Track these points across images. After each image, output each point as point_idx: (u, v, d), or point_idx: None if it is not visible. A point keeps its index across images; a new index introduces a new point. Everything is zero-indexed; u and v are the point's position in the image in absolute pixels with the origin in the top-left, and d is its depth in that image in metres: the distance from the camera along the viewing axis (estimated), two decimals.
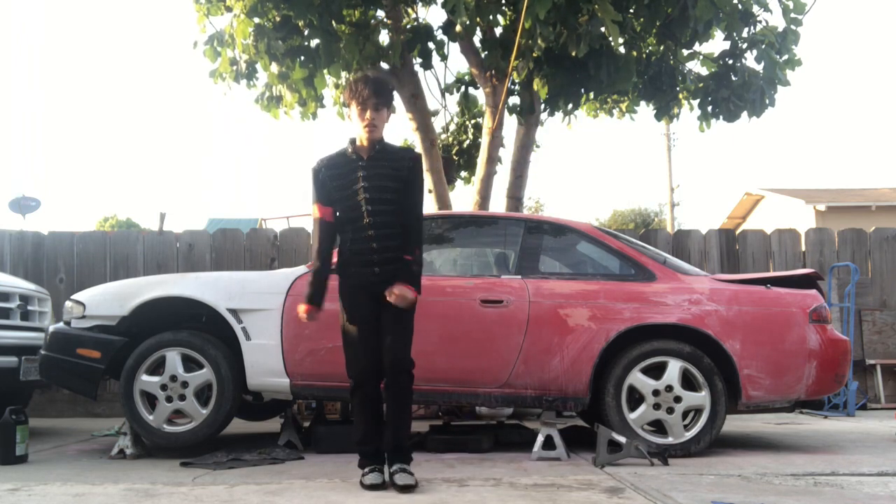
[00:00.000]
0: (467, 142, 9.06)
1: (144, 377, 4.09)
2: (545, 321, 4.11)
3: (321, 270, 3.28)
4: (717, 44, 39.00)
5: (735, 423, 5.66)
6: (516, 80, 6.95)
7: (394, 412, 3.15)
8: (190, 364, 4.10)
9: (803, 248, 7.36)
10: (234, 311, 4.14)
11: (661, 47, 7.05)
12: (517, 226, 4.52)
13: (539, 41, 6.01)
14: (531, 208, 25.03)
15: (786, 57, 6.82)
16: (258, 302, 4.16)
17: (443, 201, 7.34)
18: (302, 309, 3.27)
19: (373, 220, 3.14)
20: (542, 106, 7.16)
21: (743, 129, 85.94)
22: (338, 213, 3.25)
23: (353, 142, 3.23)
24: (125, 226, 24.28)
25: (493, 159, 7.35)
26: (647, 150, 59.44)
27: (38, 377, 4.70)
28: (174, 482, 3.28)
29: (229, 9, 6.60)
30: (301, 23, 6.28)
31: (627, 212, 29.29)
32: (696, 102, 7.27)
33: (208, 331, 4.22)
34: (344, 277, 3.25)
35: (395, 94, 7.62)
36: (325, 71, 6.79)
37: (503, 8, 6.43)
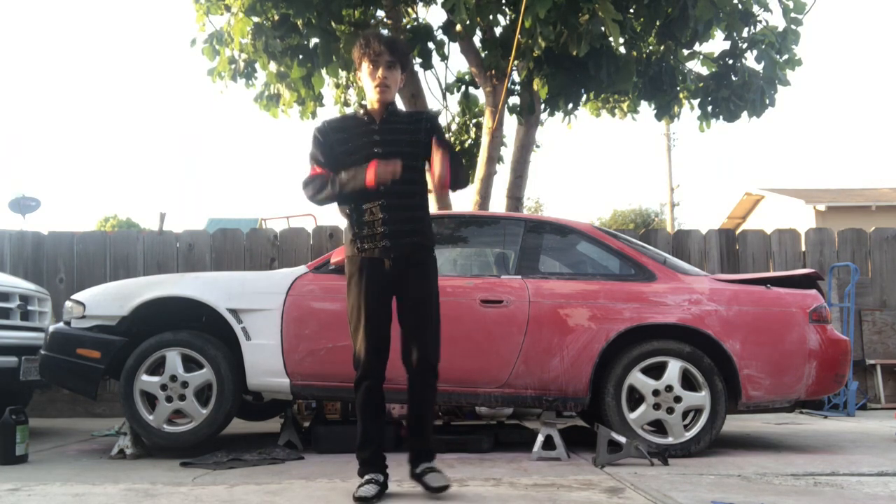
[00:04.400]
0: (469, 141, 9.06)
1: (144, 377, 4.09)
2: (545, 321, 4.11)
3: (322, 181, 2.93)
4: (717, 44, 39.00)
5: (735, 423, 5.66)
6: (516, 80, 6.96)
7: (420, 411, 3.00)
8: (190, 364, 4.10)
9: (803, 248, 7.36)
10: (234, 311, 4.14)
11: (661, 47, 7.06)
12: (517, 226, 4.52)
13: (539, 41, 6.01)
14: (531, 208, 25.03)
15: (786, 57, 6.83)
16: (258, 302, 4.16)
17: (443, 201, 7.35)
18: (372, 168, 2.87)
19: (386, 189, 2.85)
20: (542, 106, 7.16)
21: (743, 129, 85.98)
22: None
23: (363, 107, 3.02)
24: (125, 226, 24.28)
25: (493, 159, 7.35)
26: (647, 150, 59.47)
27: (38, 377, 4.70)
28: (174, 482, 3.28)
29: (228, 7, 6.61)
30: (300, 22, 6.28)
31: (627, 212, 29.30)
32: (696, 102, 7.28)
33: (208, 331, 4.22)
34: (353, 257, 2.96)
35: (395, 95, 7.62)
36: (324, 70, 6.80)
37: (503, 7, 6.43)
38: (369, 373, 2.93)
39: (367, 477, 2.90)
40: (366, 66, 2.92)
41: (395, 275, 2.93)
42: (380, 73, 2.89)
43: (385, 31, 7.16)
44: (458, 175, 2.96)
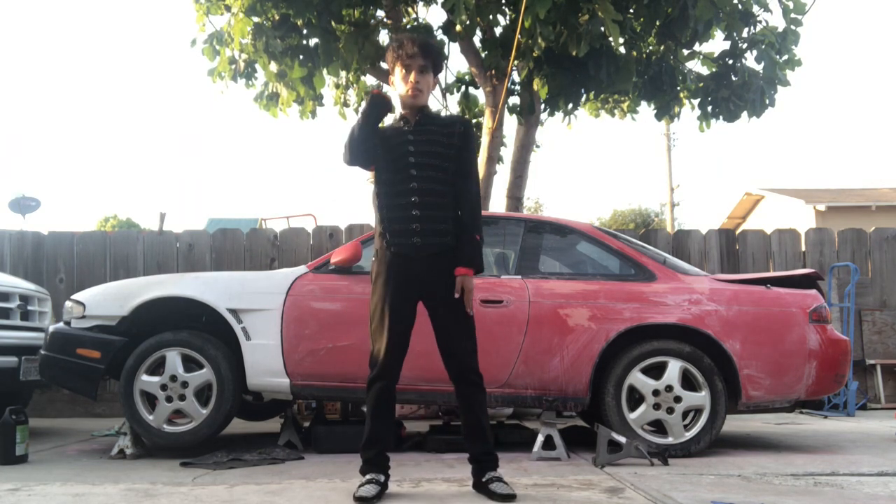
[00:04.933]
0: None
1: (144, 377, 4.09)
2: (545, 321, 4.11)
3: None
4: (717, 44, 39.02)
5: (735, 423, 5.66)
6: (516, 80, 6.96)
7: (475, 416, 2.94)
8: (190, 364, 4.10)
9: (803, 248, 7.36)
10: (234, 311, 4.14)
11: (661, 47, 7.06)
12: (517, 226, 4.52)
13: (539, 41, 6.01)
14: (531, 208, 25.03)
15: (786, 57, 6.83)
16: (258, 302, 4.16)
17: None
18: (373, 93, 2.91)
19: (419, 187, 2.87)
20: (542, 106, 7.16)
21: (743, 129, 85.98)
22: (380, 177, 2.99)
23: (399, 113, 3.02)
24: (125, 226, 24.27)
25: (492, 159, 7.35)
26: (647, 150, 59.45)
27: (38, 377, 4.70)
28: (174, 482, 3.28)
29: (228, 7, 6.61)
30: (300, 22, 6.29)
31: (627, 212, 29.30)
32: (696, 102, 7.28)
33: (208, 331, 4.22)
34: (381, 252, 2.94)
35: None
36: (324, 70, 6.80)
37: (503, 7, 6.43)
38: (385, 373, 2.90)
39: (368, 477, 2.89)
40: (398, 70, 2.92)
41: (424, 275, 2.91)
42: (413, 76, 2.89)
43: (385, 31, 7.17)
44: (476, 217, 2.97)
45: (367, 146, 2.95)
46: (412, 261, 2.90)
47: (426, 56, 2.88)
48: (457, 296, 2.87)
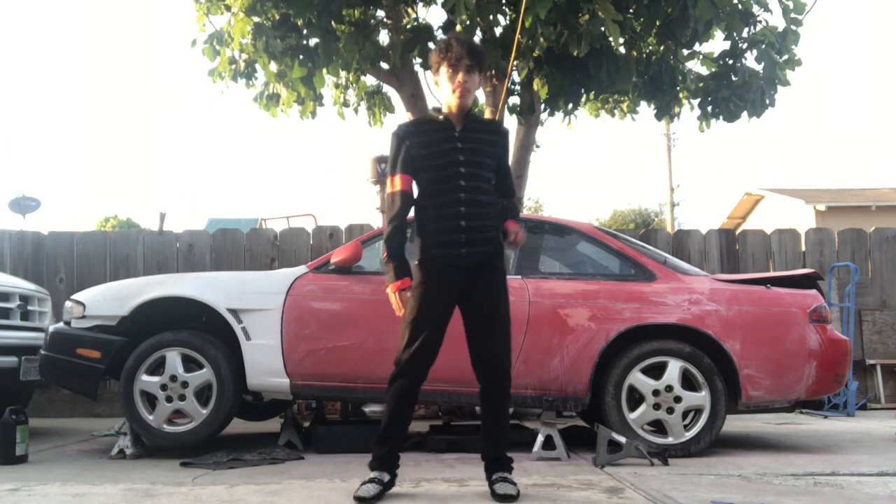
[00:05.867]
0: None
1: (144, 377, 4.09)
2: (545, 321, 4.11)
3: (401, 243, 2.92)
4: (717, 44, 38.96)
5: (735, 423, 5.66)
6: (516, 80, 6.95)
7: (495, 418, 2.97)
8: (190, 364, 4.10)
9: (803, 248, 7.36)
10: (234, 311, 4.14)
11: (661, 47, 7.05)
12: None
13: (539, 41, 6.00)
14: (531, 208, 25.03)
15: (786, 57, 6.82)
16: (258, 302, 4.16)
17: None
18: (393, 290, 2.88)
19: (466, 197, 2.86)
20: (542, 106, 7.15)
21: (743, 129, 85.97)
22: (424, 185, 2.94)
23: (438, 110, 2.97)
24: (125, 226, 24.25)
25: None
26: (647, 150, 59.50)
27: (38, 377, 4.70)
28: (174, 482, 3.28)
29: (229, 7, 6.60)
30: (300, 21, 6.28)
31: (627, 212, 29.30)
32: (696, 102, 7.27)
33: (208, 331, 4.22)
34: (424, 263, 2.92)
35: (396, 95, 7.63)
36: (324, 70, 6.79)
37: (503, 7, 6.43)
38: (412, 372, 2.88)
39: (371, 475, 2.87)
40: (444, 71, 2.90)
41: (466, 282, 2.91)
42: (459, 77, 2.87)
43: (385, 31, 7.16)
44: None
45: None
46: (457, 270, 2.90)
47: (472, 57, 2.88)
48: (513, 242, 2.97)
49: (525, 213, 8.33)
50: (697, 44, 6.84)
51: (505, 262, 3.05)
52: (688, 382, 4.05)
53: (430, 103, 7.70)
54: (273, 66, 6.85)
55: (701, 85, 7.12)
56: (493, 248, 2.95)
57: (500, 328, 2.94)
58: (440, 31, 6.87)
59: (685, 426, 4.02)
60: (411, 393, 2.92)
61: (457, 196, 2.87)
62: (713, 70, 7.04)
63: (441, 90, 2.95)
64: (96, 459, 4.06)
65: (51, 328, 4.42)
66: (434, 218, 2.91)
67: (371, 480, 2.85)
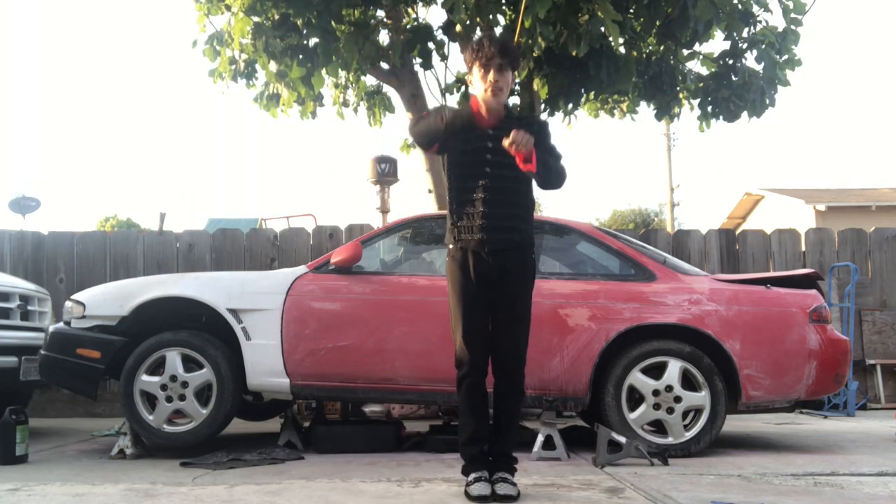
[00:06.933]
0: None
1: (144, 377, 4.09)
2: (545, 321, 4.11)
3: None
4: (717, 44, 38.92)
5: (735, 423, 5.66)
6: (516, 80, 6.95)
7: (506, 414, 2.96)
8: (190, 364, 4.10)
9: (803, 248, 7.36)
10: (234, 311, 4.14)
11: (661, 47, 7.05)
12: None
13: (539, 41, 6.00)
14: None
15: (786, 57, 6.82)
16: (258, 302, 4.16)
17: (443, 201, 7.34)
18: (449, 113, 2.86)
19: (490, 185, 2.90)
20: (542, 106, 7.15)
21: (743, 129, 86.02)
22: (452, 170, 2.99)
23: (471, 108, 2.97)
24: (125, 226, 24.26)
25: None
26: (647, 150, 59.50)
27: (38, 377, 4.70)
28: (174, 482, 3.28)
29: (229, 8, 6.61)
30: (300, 21, 6.28)
31: (627, 212, 29.31)
32: (696, 102, 7.27)
33: (208, 331, 4.22)
34: (452, 250, 2.98)
35: (396, 95, 7.63)
36: (324, 70, 6.79)
37: (503, 7, 6.43)
38: (472, 370, 2.90)
39: (475, 475, 2.87)
40: (477, 70, 2.91)
41: (491, 272, 2.92)
42: (491, 76, 2.88)
43: (385, 31, 7.16)
44: (550, 170, 2.96)
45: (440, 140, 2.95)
46: (480, 258, 2.93)
47: (504, 55, 2.88)
48: (511, 142, 2.78)
49: None
50: (697, 44, 6.84)
51: (536, 259, 3.01)
52: (688, 382, 4.05)
53: (431, 103, 7.71)
54: (273, 66, 6.86)
55: (701, 85, 7.12)
56: (516, 238, 2.95)
57: (520, 324, 2.96)
58: (440, 30, 6.87)
59: (685, 426, 4.02)
60: (479, 388, 2.93)
61: (479, 184, 2.91)
62: (713, 70, 7.04)
63: (475, 88, 2.97)
64: (96, 459, 4.06)
65: (51, 328, 4.42)
66: (458, 202, 2.96)
67: (478, 479, 2.85)
